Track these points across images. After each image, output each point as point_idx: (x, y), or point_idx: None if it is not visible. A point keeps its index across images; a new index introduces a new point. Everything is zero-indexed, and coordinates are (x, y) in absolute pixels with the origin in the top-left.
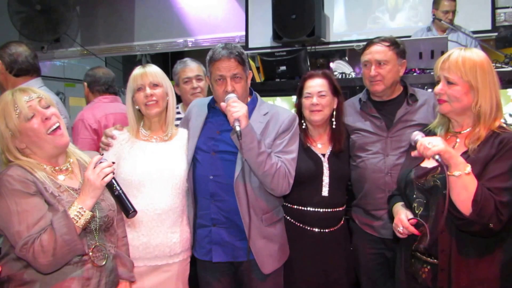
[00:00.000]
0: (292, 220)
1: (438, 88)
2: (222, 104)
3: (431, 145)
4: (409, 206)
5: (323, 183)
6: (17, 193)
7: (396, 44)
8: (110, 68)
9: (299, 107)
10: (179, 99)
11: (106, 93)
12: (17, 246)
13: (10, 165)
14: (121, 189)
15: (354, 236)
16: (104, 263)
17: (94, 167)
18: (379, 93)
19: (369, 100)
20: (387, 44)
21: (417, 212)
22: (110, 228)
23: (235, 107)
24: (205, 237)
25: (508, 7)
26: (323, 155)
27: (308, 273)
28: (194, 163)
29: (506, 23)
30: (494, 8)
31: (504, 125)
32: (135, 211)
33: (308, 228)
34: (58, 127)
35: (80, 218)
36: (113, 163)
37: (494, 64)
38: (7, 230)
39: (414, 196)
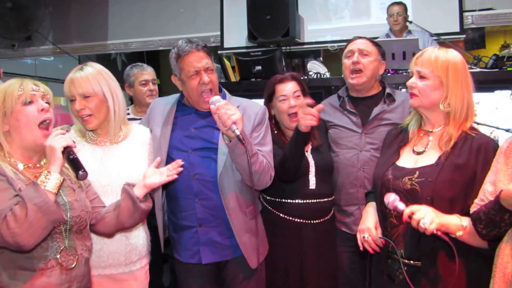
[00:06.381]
0: (277, 212)
1: (410, 81)
2: (212, 107)
3: (427, 223)
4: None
5: (310, 175)
6: None
7: (377, 44)
8: None
9: (269, 111)
10: (130, 101)
11: None
12: None
13: None
14: (75, 154)
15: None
16: (73, 265)
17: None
18: (359, 87)
19: (347, 96)
20: (369, 40)
21: (393, 213)
22: (83, 230)
23: (230, 109)
24: (191, 238)
25: (474, 10)
26: (306, 151)
27: (293, 262)
28: (169, 163)
29: (473, 26)
30: (461, 11)
31: (475, 125)
32: (85, 172)
33: (297, 220)
34: (48, 125)
35: (47, 182)
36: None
37: None
38: None
39: None
